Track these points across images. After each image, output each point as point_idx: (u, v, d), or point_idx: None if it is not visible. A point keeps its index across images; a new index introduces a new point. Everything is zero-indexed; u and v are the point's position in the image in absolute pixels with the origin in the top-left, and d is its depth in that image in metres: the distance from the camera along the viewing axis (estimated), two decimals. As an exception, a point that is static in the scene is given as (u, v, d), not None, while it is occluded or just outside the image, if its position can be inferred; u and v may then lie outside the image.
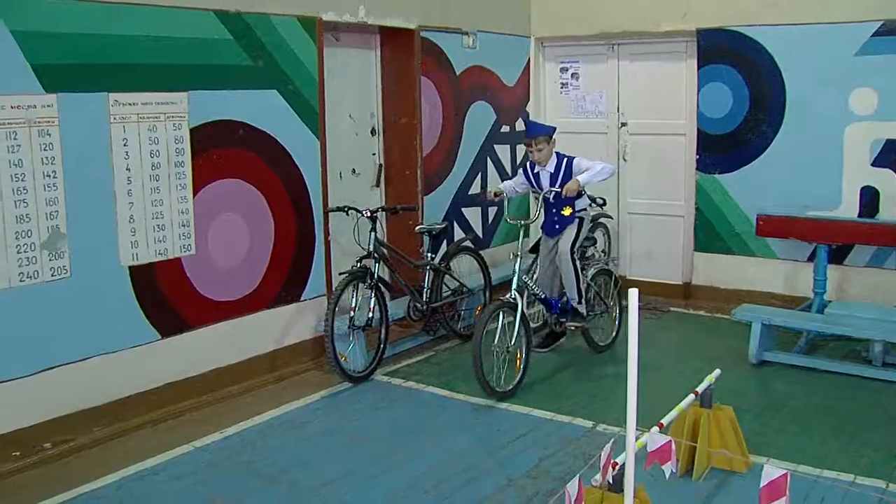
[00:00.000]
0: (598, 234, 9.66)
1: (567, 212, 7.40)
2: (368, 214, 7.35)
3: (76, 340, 5.94)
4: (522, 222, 7.28)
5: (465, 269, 8.57)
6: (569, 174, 7.26)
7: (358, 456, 5.79)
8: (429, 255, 7.99)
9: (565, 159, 7.37)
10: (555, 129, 7.54)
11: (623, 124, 10.08)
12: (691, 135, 9.50)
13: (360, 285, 7.17)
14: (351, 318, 7.13)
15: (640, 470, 3.85)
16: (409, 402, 6.83)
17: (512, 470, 5.54)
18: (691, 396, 5.17)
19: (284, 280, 7.39)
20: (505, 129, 9.97)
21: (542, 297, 7.53)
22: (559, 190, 7.23)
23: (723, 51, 9.13)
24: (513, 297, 6.94)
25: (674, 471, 4.13)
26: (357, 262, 7.24)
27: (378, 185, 8.79)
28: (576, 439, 6.00)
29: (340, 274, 7.23)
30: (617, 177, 9.98)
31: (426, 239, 8.07)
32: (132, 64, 6.17)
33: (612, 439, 4.14)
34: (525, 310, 7.01)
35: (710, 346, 8.12)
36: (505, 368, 6.80)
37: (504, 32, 9.86)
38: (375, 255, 7.29)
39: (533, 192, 7.90)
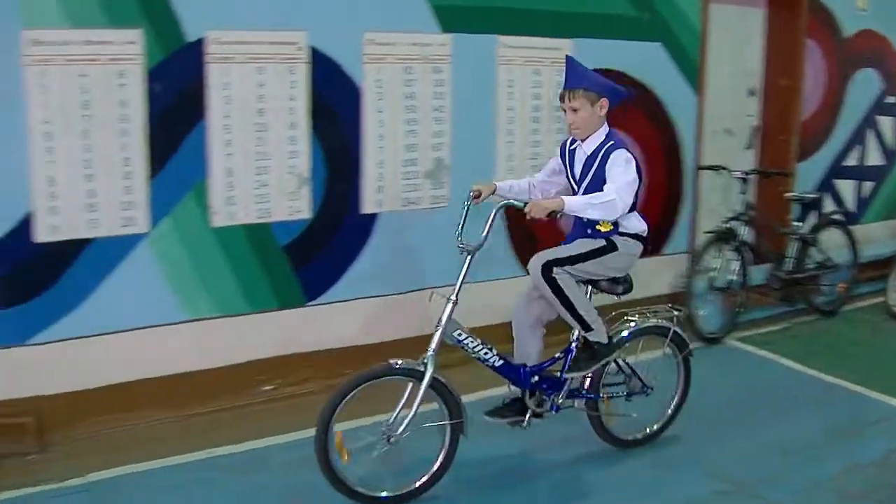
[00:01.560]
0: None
1: (605, 227, 4.52)
2: (741, 176, 6.99)
3: (448, 267, 6.07)
4: (462, 244, 4.45)
5: (832, 242, 7.97)
6: (602, 170, 4.45)
7: (704, 416, 5.52)
8: (797, 224, 7.52)
9: (611, 144, 4.46)
10: (618, 91, 4.57)
11: None
12: None
13: (724, 246, 6.82)
14: (711, 278, 6.85)
15: None
16: (759, 371, 6.44)
17: (858, 456, 5.04)
18: None
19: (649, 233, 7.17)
20: (891, 99, 9.09)
21: (497, 364, 4.57)
22: (520, 206, 4.33)
23: None
24: (423, 361, 4.25)
25: None
26: (724, 222, 6.89)
27: (751, 146, 8.32)
28: (938, 438, 5.39)
29: (706, 233, 6.92)
30: None
31: (796, 207, 7.61)
32: (521, 9, 6.17)
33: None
34: (438, 377, 4.27)
35: None
36: (383, 461, 4.25)
37: (904, -5, 8.95)
38: (743, 217, 6.91)
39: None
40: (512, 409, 4.68)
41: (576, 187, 4.64)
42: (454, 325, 4.40)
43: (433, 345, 4.28)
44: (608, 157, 4.42)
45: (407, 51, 5.70)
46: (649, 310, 4.98)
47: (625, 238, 4.57)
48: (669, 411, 5.17)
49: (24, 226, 4.87)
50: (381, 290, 5.85)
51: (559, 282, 4.44)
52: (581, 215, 4.37)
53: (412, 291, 5.94)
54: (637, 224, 4.63)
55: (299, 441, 4.89)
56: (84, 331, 5.09)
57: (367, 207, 5.70)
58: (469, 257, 4.40)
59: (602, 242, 4.52)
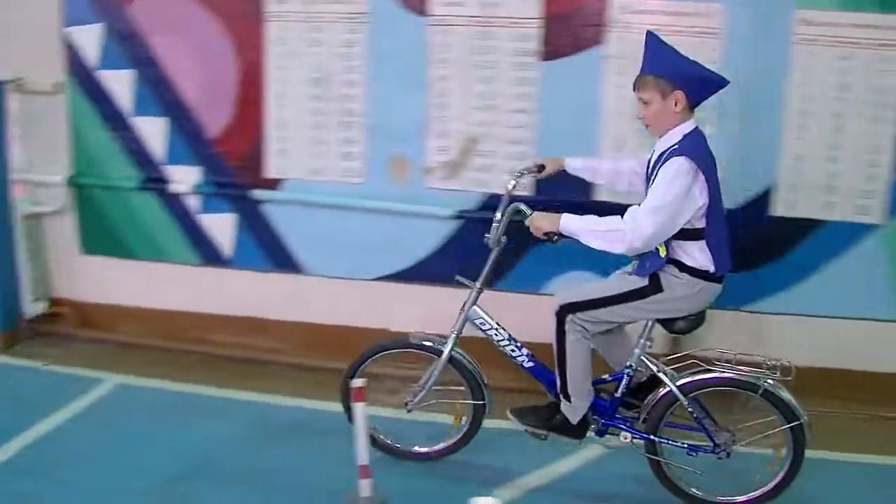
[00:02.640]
0: None
1: (662, 250, 3.51)
2: None
3: None
4: (490, 238, 3.87)
5: None
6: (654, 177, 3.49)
7: None
8: None
9: (674, 149, 3.43)
10: (705, 81, 3.51)
11: None
12: None
13: None
14: None
15: None
16: None
17: None
18: None
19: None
20: None
21: (526, 364, 4.00)
22: (528, 213, 3.68)
23: None
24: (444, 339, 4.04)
25: None
26: None
27: None
28: None
29: None
30: None
31: None
32: None
33: None
34: (461, 357, 4.04)
35: None
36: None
37: None
38: None
39: None
40: (539, 416, 3.96)
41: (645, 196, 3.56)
42: (476, 312, 4.00)
43: (457, 325, 4.03)
44: (660, 165, 3.45)
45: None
46: (743, 360, 3.69)
47: (677, 277, 3.55)
48: (765, 488, 3.81)
49: (764, 197, 4.96)
50: None
51: (567, 338, 3.73)
52: (581, 240, 3.49)
53: None
54: (698, 257, 3.53)
55: None
56: (797, 309, 5.10)
57: None
58: (495, 250, 3.93)
59: (643, 282, 3.60)
